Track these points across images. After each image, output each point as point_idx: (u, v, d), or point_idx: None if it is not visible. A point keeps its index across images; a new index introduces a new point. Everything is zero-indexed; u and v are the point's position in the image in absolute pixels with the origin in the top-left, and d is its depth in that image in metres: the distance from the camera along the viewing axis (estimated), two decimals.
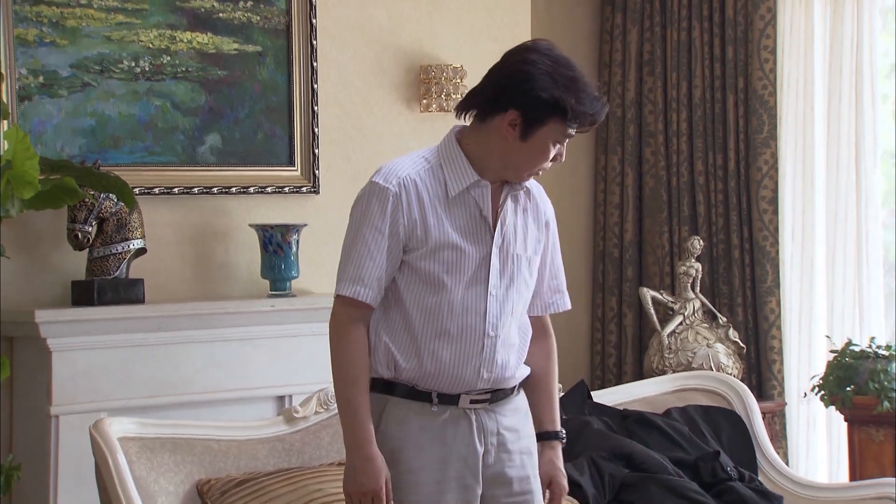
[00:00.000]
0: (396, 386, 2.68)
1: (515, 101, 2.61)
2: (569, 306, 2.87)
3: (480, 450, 2.70)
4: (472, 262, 2.66)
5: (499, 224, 2.68)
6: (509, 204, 2.71)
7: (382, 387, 2.69)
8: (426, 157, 2.70)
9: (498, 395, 2.73)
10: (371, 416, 2.66)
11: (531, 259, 2.74)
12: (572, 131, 2.64)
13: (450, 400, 2.68)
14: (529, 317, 2.81)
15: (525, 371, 2.79)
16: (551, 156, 2.65)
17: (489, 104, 2.64)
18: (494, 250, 2.67)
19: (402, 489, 2.67)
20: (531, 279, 2.75)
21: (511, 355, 2.73)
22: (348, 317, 2.64)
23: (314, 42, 4.57)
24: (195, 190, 4.36)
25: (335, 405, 3.55)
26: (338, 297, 2.66)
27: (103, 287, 4.02)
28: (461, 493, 2.69)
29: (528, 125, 2.61)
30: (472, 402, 2.69)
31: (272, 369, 4.27)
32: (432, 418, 2.68)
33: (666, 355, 5.16)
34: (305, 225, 4.45)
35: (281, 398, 4.28)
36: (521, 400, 2.79)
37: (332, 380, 2.67)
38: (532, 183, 2.76)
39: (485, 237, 2.67)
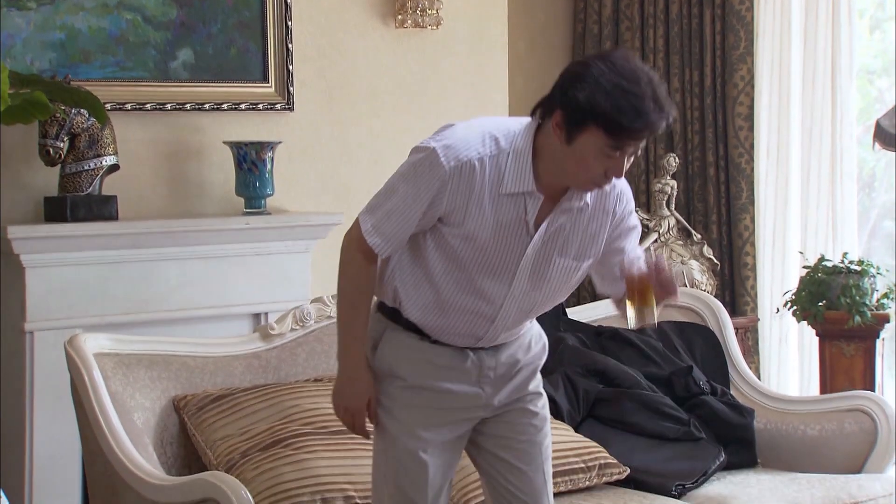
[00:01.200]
0: (399, 317, 2.70)
1: (561, 100, 2.51)
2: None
3: (476, 382, 2.71)
4: (500, 258, 2.61)
5: (541, 229, 2.60)
6: (562, 214, 2.61)
7: (386, 312, 2.72)
8: (499, 139, 2.58)
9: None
10: (371, 334, 2.71)
11: (573, 266, 2.66)
12: (620, 144, 2.48)
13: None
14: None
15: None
16: (599, 168, 2.51)
17: (546, 103, 2.56)
18: (530, 251, 2.61)
19: (395, 400, 2.70)
20: (568, 282, 2.68)
21: (515, 330, 2.72)
22: (361, 250, 2.63)
23: None
24: (168, 106, 4.32)
25: (310, 322, 3.58)
26: (361, 228, 2.62)
27: (76, 203, 3.99)
28: (451, 413, 2.71)
29: (570, 127, 2.50)
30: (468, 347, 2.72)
31: (247, 287, 4.26)
32: (430, 348, 2.70)
33: None
34: (280, 142, 4.42)
35: (256, 315, 4.28)
36: (525, 334, 2.77)
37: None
38: (617, 187, 2.64)
39: (522, 239, 2.61)
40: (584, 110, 2.47)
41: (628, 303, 2.63)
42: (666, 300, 2.63)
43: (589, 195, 2.62)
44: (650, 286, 2.60)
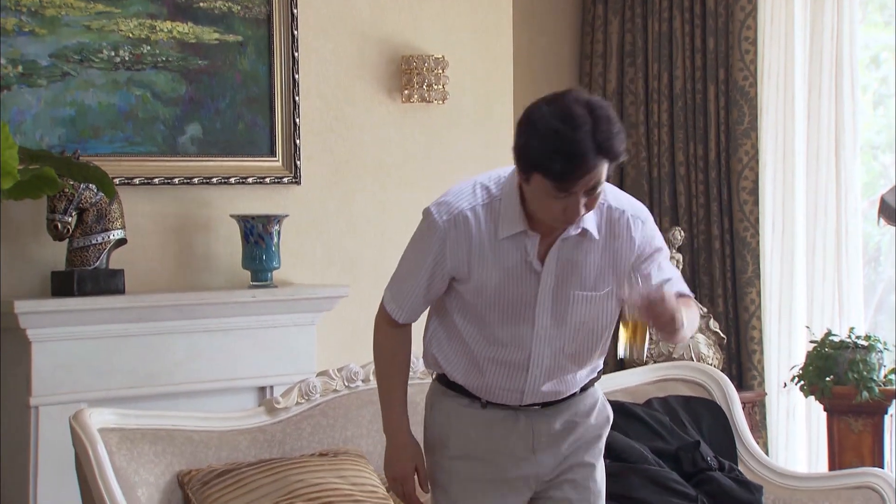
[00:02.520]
0: (448, 383, 2.76)
1: (514, 147, 2.56)
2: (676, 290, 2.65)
3: (528, 448, 2.72)
4: (514, 302, 2.63)
5: (547, 265, 2.62)
6: (564, 245, 2.63)
7: (440, 379, 2.79)
8: (490, 187, 2.63)
9: (550, 402, 2.73)
10: (426, 403, 2.80)
11: (592, 297, 2.65)
12: (564, 187, 2.48)
13: (498, 404, 2.73)
14: None
15: (591, 376, 2.77)
16: (557, 208, 2.52)
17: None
18: (545, 290, 2.63)
19: (446, 473, 2.74)
20: (596, 316, 2.68)
21: (563, 383, 2.72)
22: (386, 320, 2.77)
23: (295, 32, 4.56)
24: (176, 180, 4.34)
25: (316, 396, 3.57)
26: (383, 299, 2.78)
27: (83, 278, 4.00)
28: (503, 485, 2.72)
29: (522, 171, 2.54)
30: (522, 406, 2.72)
31: (253, 360, 4.26)
32: (481, 414, 2.73)
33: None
34: (287, 216, 4.44)
35: (262, 389, 4.28)
36: (584, 399, 2.77)
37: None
38: (626, 213, 2.65)
39: (531, 279, 2.62)
40: (524, 158, 2.51)
41: (622, 329, 2.61)
42: (664, 336, 2.58)
43: (592, 223, 2.61)
44: (642, 323, 2.56)
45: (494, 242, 2.61)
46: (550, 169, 2.46)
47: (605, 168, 2.49)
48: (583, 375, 2.76)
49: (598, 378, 2.83)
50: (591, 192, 2.52)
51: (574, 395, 2.76)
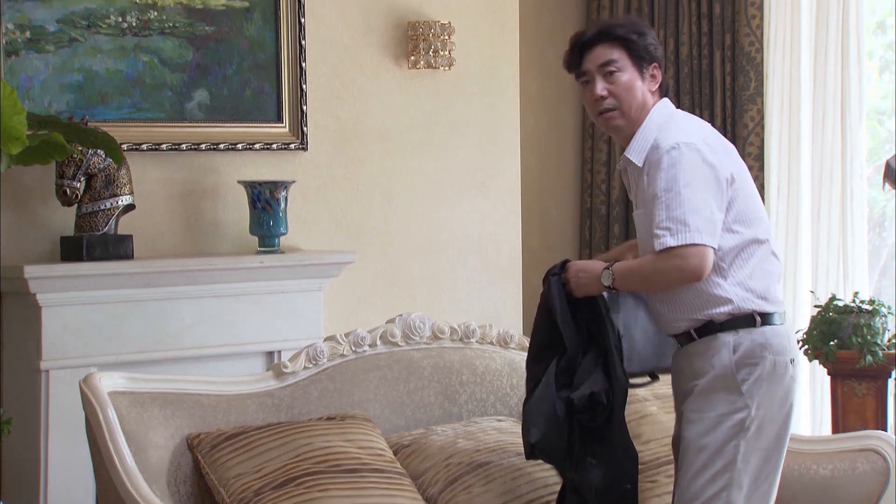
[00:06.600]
0: None
1: None
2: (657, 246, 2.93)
3: None
4: None
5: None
6: (625, 172, 3.07)
7: None
8: None
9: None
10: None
11: (637, 215, 3.03)
12: (576, 72, 3.03)
13: None
14: None
15: (687, 326, 3.03)
16: (588, 99, 3.03)
17: None
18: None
19: None
20: (645, 233, 2.99)
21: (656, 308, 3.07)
22: None
23: None
24: (183, 146, 4.36)
25: (323, 361, 3.59)
26: None
27: (92, 243, 4.03)
28: None
29: None
30: None
31: (261, 325, 4.29)
32: None
33: None
34: (294, 181, 4.46)
35: (270, 354, 4.31)
36: (688, 349, 3.04)
37: None
38: (660, 150, 2.92)
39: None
40: None
41: None
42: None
43: (634, 153, 2.96)
44: None
45: None
46: (568, 62, 3.00)
47: (612, 50, 2.95)
48: (670, 317, 3.05)
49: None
50: (609, 76, 2.96)
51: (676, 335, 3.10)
